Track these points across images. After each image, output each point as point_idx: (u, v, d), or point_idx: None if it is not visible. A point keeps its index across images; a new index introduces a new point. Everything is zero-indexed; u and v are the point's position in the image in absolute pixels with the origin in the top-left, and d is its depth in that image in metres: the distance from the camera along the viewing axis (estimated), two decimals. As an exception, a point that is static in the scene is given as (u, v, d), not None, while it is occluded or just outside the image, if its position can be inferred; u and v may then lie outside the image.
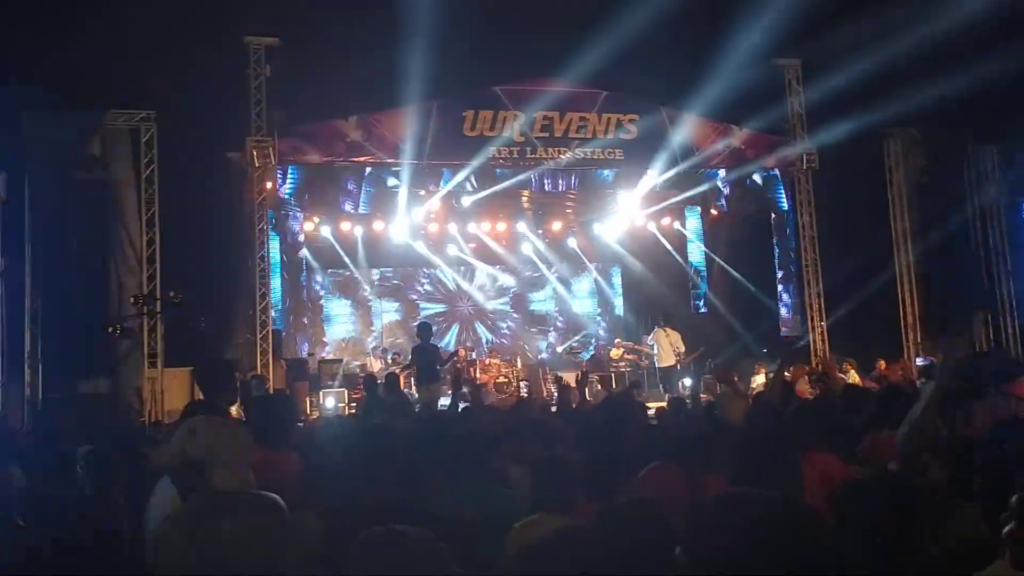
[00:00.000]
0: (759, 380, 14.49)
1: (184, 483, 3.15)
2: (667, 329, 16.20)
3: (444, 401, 12.38)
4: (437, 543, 2.35)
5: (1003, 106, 15.81)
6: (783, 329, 18.22)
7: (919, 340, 17.04)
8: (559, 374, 15.41)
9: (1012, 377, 6.57)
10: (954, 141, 17.22)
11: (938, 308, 17.12)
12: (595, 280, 22.49)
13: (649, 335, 17.20)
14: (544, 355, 21.25)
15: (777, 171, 17.45)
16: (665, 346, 15.98)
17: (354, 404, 15.09)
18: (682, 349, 15.88)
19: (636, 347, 18.31)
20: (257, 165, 14.33)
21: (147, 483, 3.86)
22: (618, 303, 22.53)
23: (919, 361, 15.52)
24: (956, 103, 14.67)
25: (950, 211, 16.77)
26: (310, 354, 18.48)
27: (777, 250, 18.54)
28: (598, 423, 5.89)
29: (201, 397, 5.21)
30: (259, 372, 14.23)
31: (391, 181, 16.70)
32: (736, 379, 7.45)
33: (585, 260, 22.01)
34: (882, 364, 14.41)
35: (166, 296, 14.07)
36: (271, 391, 13.57)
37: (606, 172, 17.21)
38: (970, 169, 17.30)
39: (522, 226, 20.30)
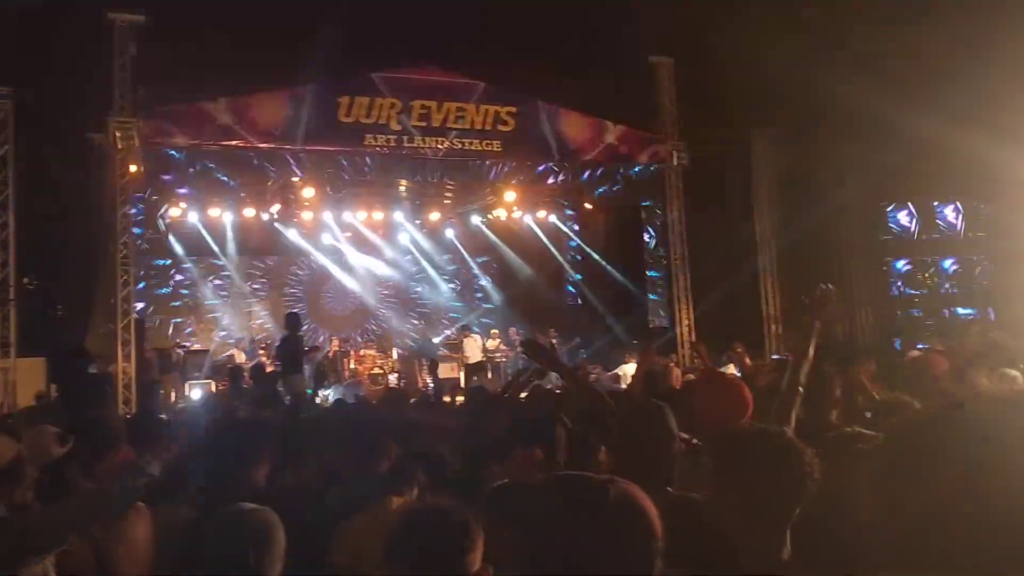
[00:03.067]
0: (628, 369, 14.78)
1: None
2: (470, 335, 19.38)
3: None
4: (277, 520, 2.41)
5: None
6: (652, 320, 18.64)
7: (780, 333, 17.68)
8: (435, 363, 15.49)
9: None
10: (818, 139, 17.81)
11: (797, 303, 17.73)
12: (472, 271, 22.53)
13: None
14: (420, 345, 21.18)
15: (650, 167, 17.78)
16: (472, 348, 18.78)
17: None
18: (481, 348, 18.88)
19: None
20: (120, 147, 13.74)
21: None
22: (494, 294, 22.64)
23: (775, 357, 16.00)
24: (820, 101, 15.20)
25: (812, 208, 17.37)
26: (176, 345, 17.89)
27: (647, 244, 18.96)
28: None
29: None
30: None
31: (262, 166, 16.26)
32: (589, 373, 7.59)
33: (463, 251, 22.03)
34: (747, 359, 14.79)
35: (20, 283, 13.42)
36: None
37: (484, 163, 17.21)
38: (831, 168, 17.96)
39: (399, 215, 20.14)
